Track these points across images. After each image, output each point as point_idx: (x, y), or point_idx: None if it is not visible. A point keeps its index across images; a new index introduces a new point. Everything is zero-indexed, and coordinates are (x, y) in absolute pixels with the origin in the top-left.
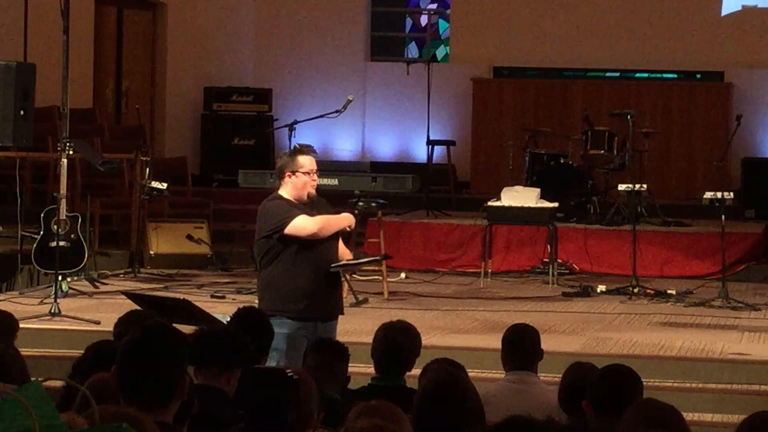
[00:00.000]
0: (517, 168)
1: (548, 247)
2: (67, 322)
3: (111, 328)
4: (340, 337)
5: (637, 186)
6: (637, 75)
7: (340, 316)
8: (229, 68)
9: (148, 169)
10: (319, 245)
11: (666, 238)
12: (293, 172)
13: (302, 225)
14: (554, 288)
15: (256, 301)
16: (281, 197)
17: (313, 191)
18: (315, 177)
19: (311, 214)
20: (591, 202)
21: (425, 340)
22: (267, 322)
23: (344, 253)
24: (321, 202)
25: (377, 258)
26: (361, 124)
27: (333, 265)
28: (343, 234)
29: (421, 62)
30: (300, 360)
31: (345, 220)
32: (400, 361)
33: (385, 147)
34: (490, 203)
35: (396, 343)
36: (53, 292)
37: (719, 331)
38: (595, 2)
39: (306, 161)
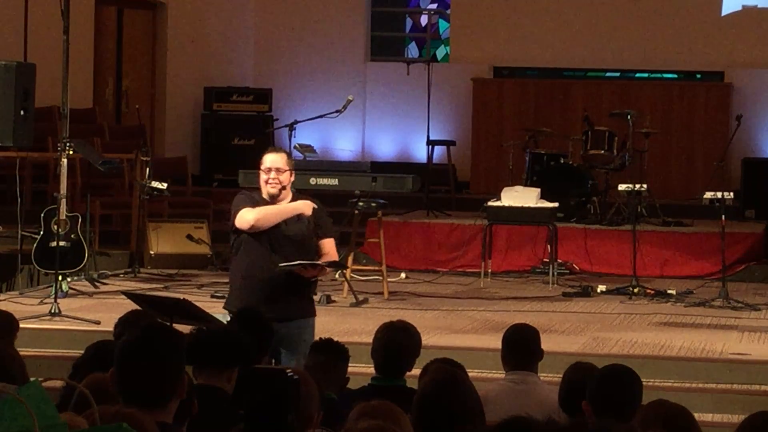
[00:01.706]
0: (517, 168)
1: (548, 247)
2: (67, 322)
3: (111, 328)
4: (340, 337)
5: (637, 186)
6: (637, 75)
7: (339, 317)
8: (229, 68)
9: (148, 169)
10: (269, 243)
11: (666, 238)
12: (259, 170)
13: (243, 217)
14: (554, 288)
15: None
16: (251, 190)
17: (273, 191)
18: (275, 176)
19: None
20: (591, 202)
21: (425, 340)
22: (267, 322)
23: (331, 255)
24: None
25: (328, 263)
26: (361, 124)
27: (281, 264)
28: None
29: (421, 62)
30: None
31: (294, 208)
32: (400, 361)
33: (385, 147)
34: (490, 203)
35: (396, 343)
36: (53, 292)
37: (719, 331)
38: (595, 2)
39: (266, 158)
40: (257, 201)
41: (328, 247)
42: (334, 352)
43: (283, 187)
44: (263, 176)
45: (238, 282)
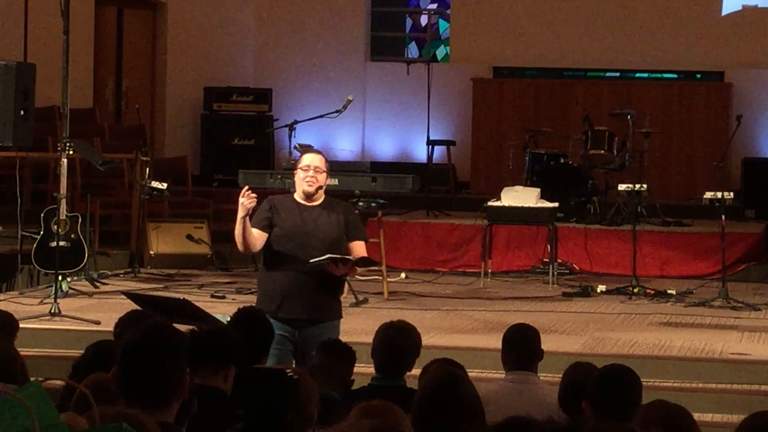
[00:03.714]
0: (517, 168)
1: (548, 247)
2: (67, 322)
3: (111, 328)
4: (341, 336)
5: (637, 186)
6: (637, 75)
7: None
8: (229, 68)
9: (148, 169)
10: (292, 243)
11: (666, 238)
12: (297, 168)
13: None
14: (554, 288)
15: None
16: (285, 193)
17: (310, 189)
18: (313, 175)
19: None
20: (591, 202)
21: (425, 340)
22: (267, 322)
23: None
24: (341, 205)
25: (357, 260)
26: (361, 124)
27: (311, 260)
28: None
29: (421, 62)
30: (284, 359)
31: (239, 210)
32: (400, 361)
33: (385, 147)
34: (490, 203)
35: (396, 343)
36: (53, 292)
37: (719, 331)
38: (596, 2)
39: (305, 157)
40: (276, 210)
41: (358, 249)
42: (341, 353)
43: (320, 187)
44: (301, 174)
45: (267, 281)
